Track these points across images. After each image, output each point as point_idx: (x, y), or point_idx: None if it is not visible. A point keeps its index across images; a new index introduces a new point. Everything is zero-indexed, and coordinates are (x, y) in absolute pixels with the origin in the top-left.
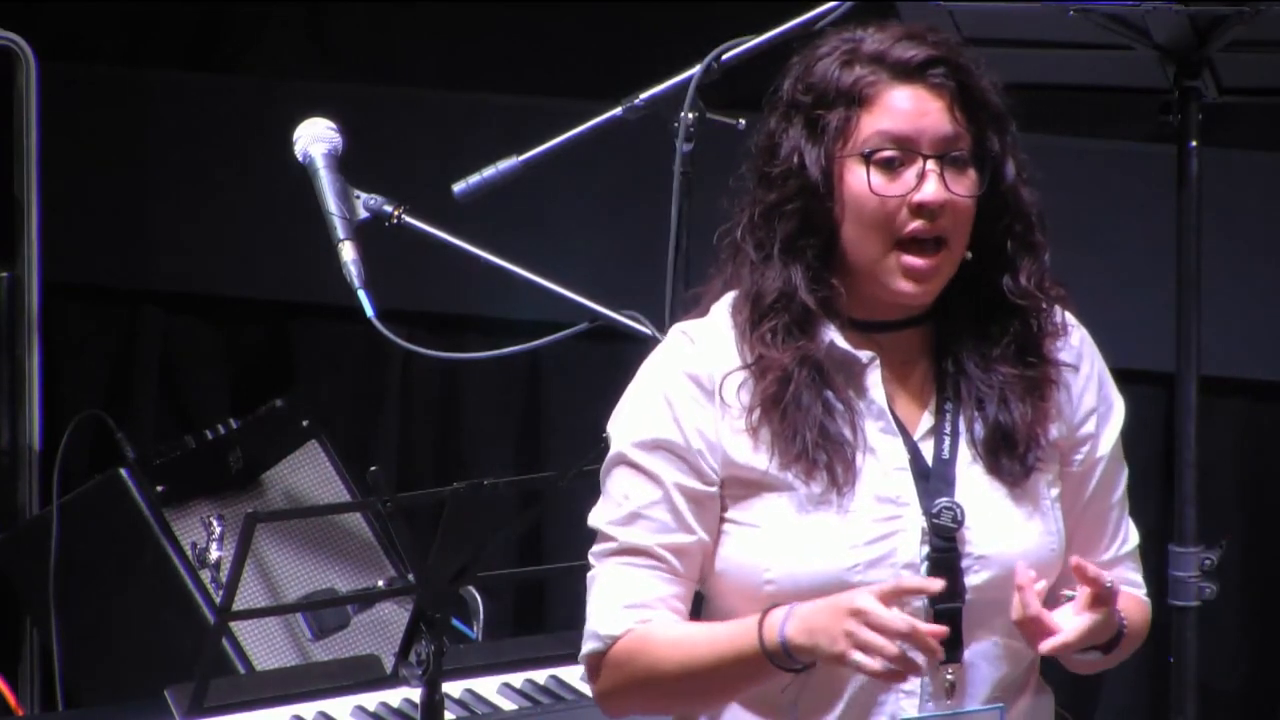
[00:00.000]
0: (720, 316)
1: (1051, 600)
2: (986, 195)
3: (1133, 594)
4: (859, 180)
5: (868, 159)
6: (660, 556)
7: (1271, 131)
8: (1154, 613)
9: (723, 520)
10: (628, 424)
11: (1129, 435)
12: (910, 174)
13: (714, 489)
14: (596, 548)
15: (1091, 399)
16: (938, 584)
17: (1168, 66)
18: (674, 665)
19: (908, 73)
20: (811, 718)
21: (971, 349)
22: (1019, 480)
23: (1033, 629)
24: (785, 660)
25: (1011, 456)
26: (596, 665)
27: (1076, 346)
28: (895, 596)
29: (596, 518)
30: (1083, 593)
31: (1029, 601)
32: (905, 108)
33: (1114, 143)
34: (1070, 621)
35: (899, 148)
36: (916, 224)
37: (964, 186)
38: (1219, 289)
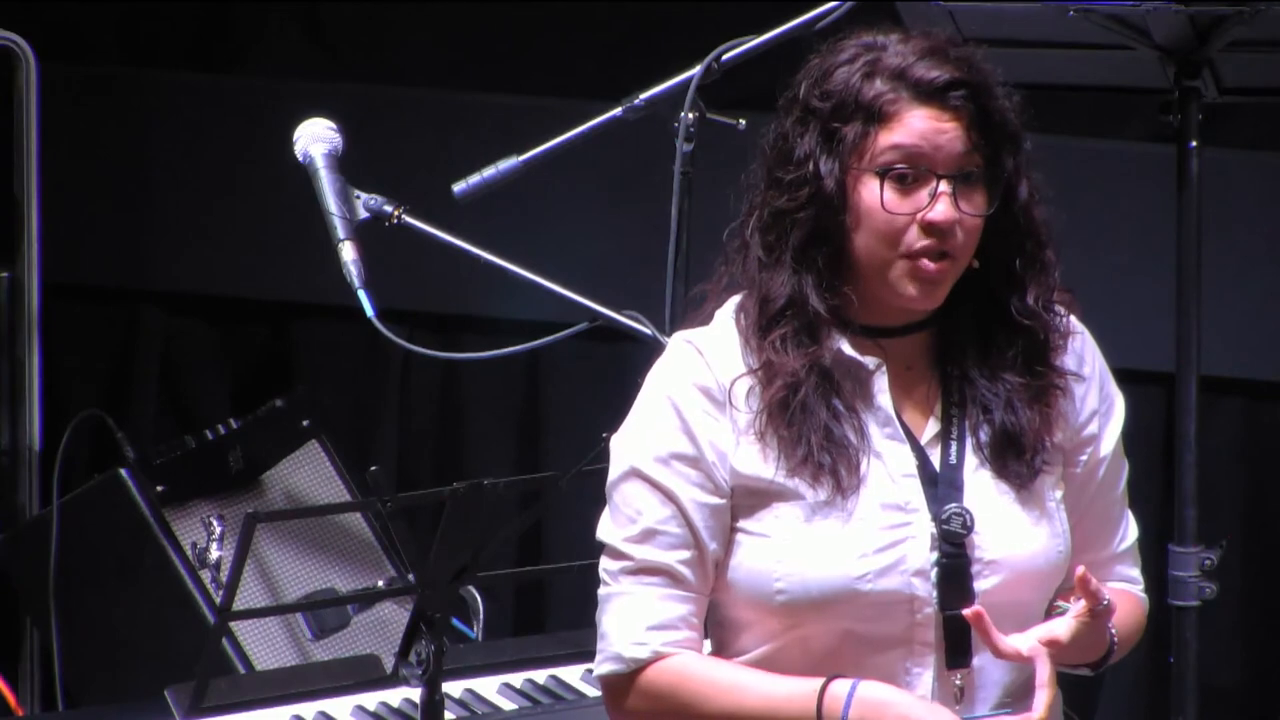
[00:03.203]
0: (724, 324)
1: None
2: (998, 213)
3: (1130, 592)
4: (872, 195)
5: (882, 176)
6: (677, 574)
7: (1271, 131)
8: (1154, 613)
9: (733, 530)
10: (639, 437)
11: (1129, 434)
12: (923, 193)
13: (726, 500)
14: (610, 564)
15: (1094, 400)
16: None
17: (1168, 66)
18: (717, 709)
19: (929, 94)
20: None
21: (977, 358)
22: (1026, 483)
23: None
24: None
25: (1019, 460)
26: (619, 686)
27: (1079, 350)
28: None
29: (607, 533)
30: (1079, 606)
31: (1001, 646)
32: (923, 127)
33: (1114, 143)
34: (1060, 631)
35: (913, 166)
36: (925, 242)
37: (974, 206)
38: (1219, 289)
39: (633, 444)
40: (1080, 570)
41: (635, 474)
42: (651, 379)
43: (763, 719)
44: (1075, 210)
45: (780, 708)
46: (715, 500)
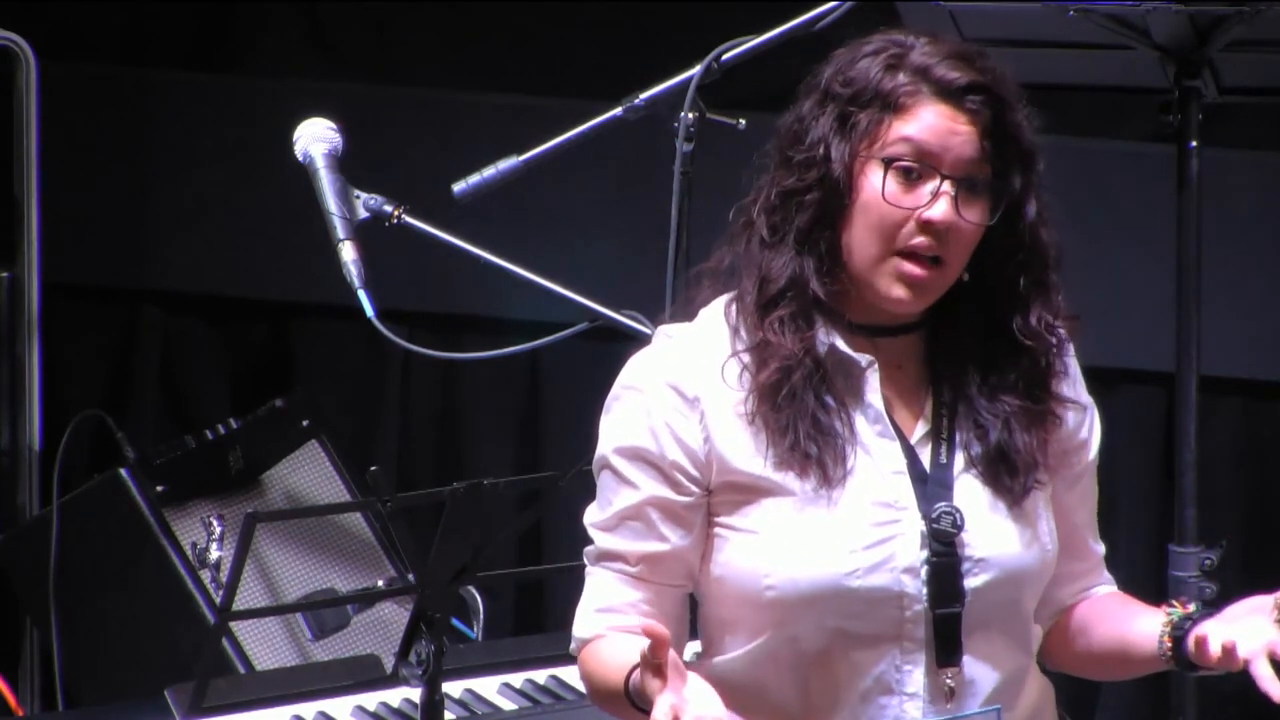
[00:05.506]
0: (709, 320)
1: (1053, 604)
2: (1005, 231)
3: (1123, 594)
4: (875, 184)
5: (887, 164)
6: (634, 562)
7: (1271, 131)
8: None
9: (719, 526)
10: (610, 428)
11: (1128, 435)
12: (925, 190)
13: (690, 498)
14: (587, 549)
15: (1085, 399)
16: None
17: (1168, 66)
18: (603, 684)
19: (949, 93)
20: None
21: (977, 377)
22: (1019, 499)
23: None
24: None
25: (1012, 476)
26: (579, 665)
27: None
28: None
29: (588, 517)
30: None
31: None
32: (936, 124)
33: (1114, 143)
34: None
35: (920, 161)
36: (920, 240)
37: (974, 214)
38: (1219, 289)
39: (605, 434)
40: None
41: (606, 464)
42: (627, 369)
43: (613, 692)
44: (1075, 210)
45: (615, 679)
46: (676, 498)
